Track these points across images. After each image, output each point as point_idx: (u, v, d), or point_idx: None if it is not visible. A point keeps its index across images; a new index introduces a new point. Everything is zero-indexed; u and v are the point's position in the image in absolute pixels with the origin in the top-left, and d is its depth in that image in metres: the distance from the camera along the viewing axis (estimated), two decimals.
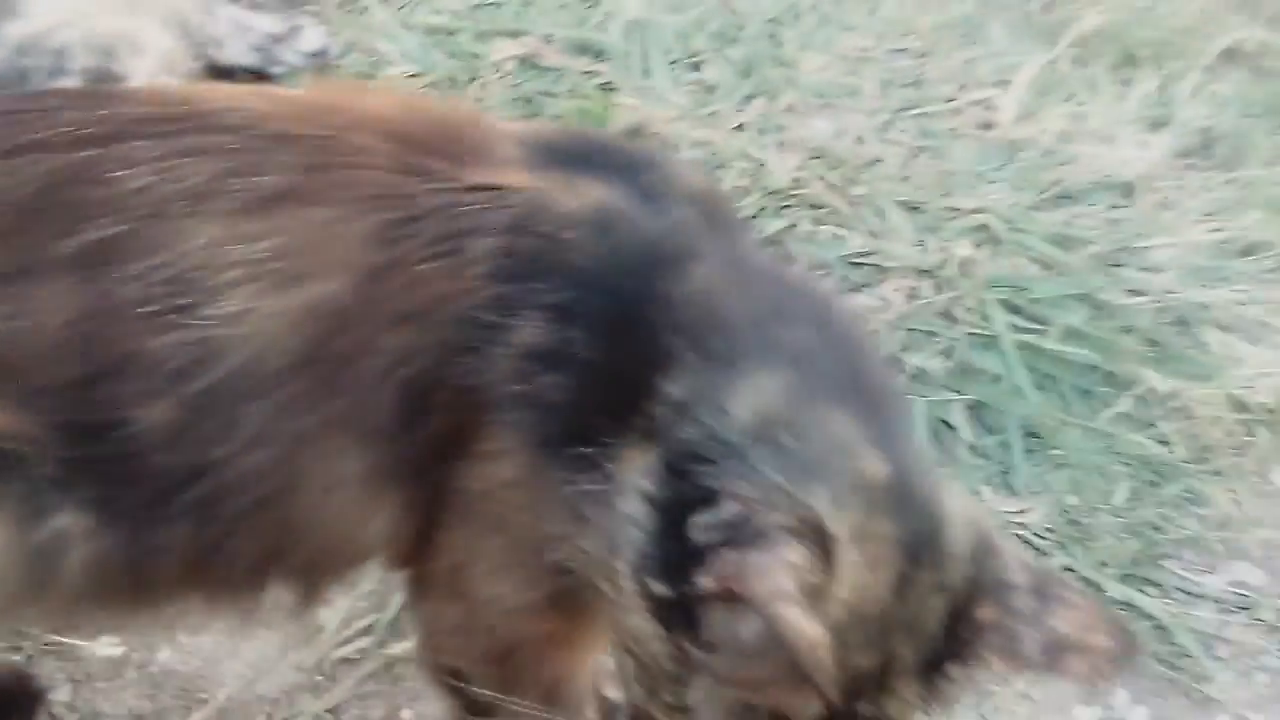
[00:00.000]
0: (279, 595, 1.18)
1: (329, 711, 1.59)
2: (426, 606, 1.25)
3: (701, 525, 0.96)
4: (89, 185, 1.01)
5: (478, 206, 1.04)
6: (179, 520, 1.05)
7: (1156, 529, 1.84)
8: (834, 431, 1.00)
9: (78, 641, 1.61)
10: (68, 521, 1.05)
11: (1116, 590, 1.76)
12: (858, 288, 2.05)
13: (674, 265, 1.06)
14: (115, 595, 1.14)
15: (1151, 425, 1.94)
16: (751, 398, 1.00)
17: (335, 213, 1.03)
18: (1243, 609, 1.79)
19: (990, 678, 1.04)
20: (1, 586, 1.07)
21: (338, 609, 1.65)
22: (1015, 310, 2.02)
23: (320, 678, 1.62)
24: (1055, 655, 1.00)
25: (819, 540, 0.94)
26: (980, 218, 2.14)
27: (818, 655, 0.90)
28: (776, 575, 0.91)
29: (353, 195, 1.03)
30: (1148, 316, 2.04)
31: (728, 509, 0.96)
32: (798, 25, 2.51)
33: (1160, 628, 1.74)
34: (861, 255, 2.08)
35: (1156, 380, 1.95)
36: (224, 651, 1.63)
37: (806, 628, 0.89)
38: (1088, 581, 1.77)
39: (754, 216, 2.08)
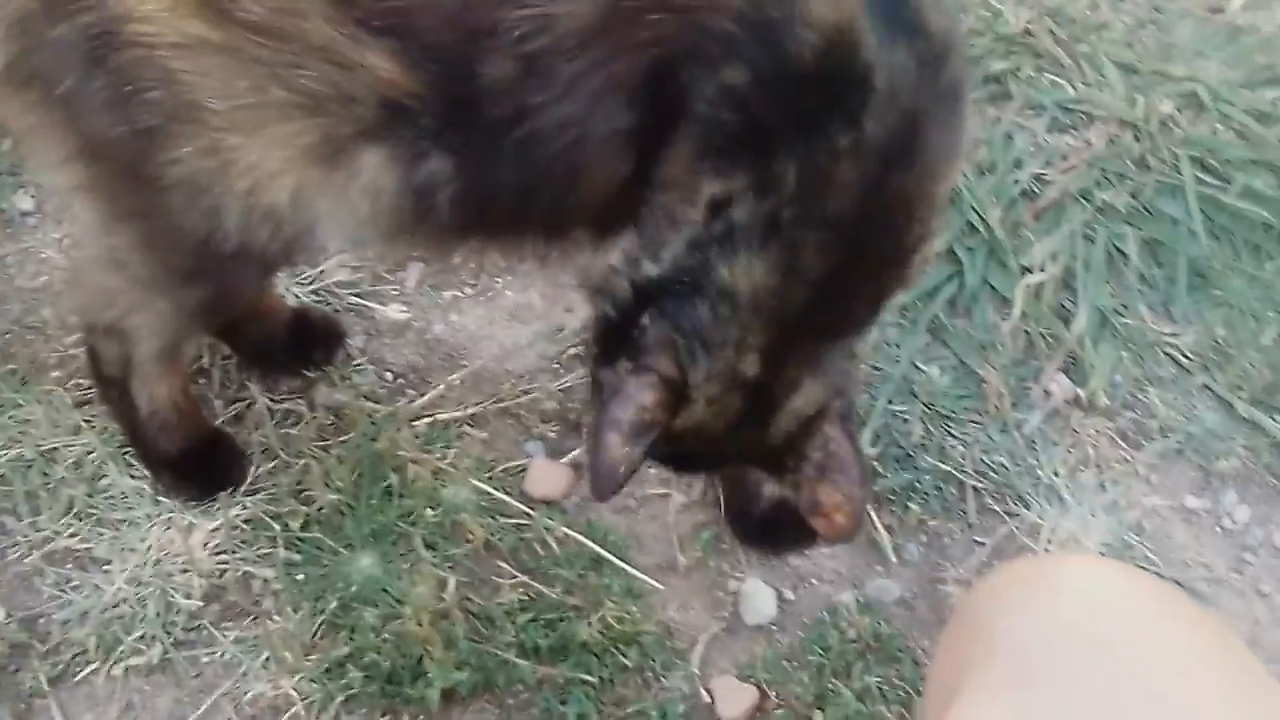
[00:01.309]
0: (577, 239, 1.47)
1: (561, 390, 1.93)
2: None
3: (648, 323, 1.36)
4: None
5: None
6: (508, 162, 1.30)
7: None
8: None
9: (374, 305, 2.00)
10: (437, 165, 1.31)
11: (1245, 410, 1.97)
12: (1065, 129, 2.25)
13: (858, 101, 1.23)
14: (469, 230, 1.43)
15: None
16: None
17: None
18: None
19: None
20: (394, 217, 1.37)
21: (579, 314, 2.00)
22: (1204, 168, 2.19)
23: (558, 366, 1.96)
24: (811, 510, 1.41)
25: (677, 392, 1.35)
26: (1190, 85, 2.28)
27: (619, 471, 1.31)
28: (623, 409, 1.32)
29: None
30: None
31: (658, 334, 1.35)
32: None
33: (1277, 446, 1.95)
34: (1074, 103, 2.26)
35: None
36: (485, 333, 1.99)
37: (614, 453, 1.31)
38: (1220, 399, 1.99)
39: (981, 56, 2.30)
